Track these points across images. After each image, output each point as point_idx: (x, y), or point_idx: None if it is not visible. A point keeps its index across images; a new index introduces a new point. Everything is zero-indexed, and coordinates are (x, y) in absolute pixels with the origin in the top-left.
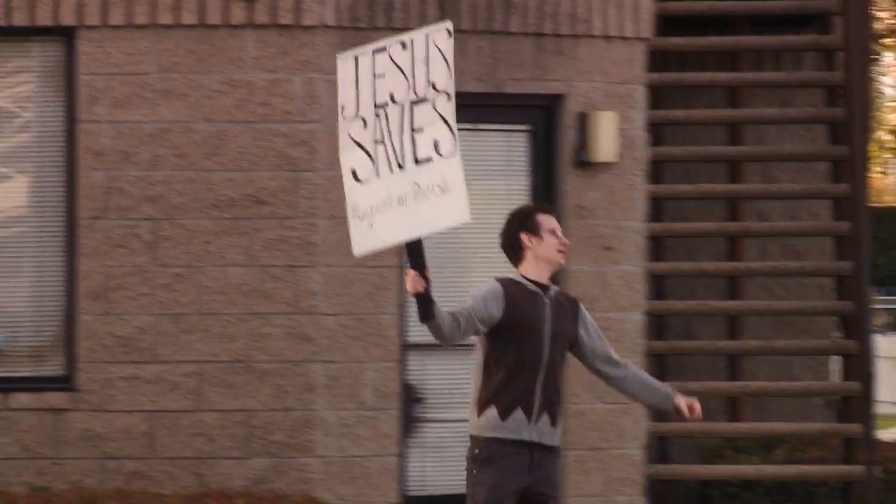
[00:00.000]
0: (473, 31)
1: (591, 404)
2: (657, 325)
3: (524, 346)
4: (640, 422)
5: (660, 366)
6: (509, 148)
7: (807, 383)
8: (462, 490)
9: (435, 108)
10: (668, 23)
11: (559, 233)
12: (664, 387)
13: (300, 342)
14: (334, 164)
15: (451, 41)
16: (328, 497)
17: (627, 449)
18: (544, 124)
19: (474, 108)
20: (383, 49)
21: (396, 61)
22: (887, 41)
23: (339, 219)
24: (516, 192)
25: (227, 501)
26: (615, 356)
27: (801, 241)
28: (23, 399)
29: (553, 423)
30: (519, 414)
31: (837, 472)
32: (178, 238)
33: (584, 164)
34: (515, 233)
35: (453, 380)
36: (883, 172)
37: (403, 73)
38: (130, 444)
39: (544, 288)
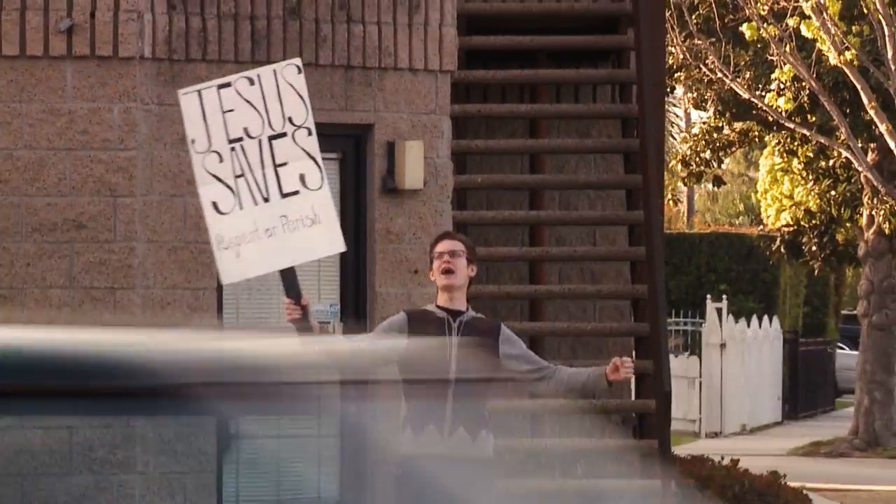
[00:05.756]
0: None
1: None
2: None
3: None
4: None
5: None
6: None
7: (605, 401)
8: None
9: (296, 143)
10: (471, 56)
11: (446, 255)
12: (590, 371)
13: None
14: (152, 189)
15: (302, 76)
16: None
17: None
18: (353, 153)
19: None
20: (228, 85)
21: (245, 97)
22: (678, 75)
23: (156, 242)
24: None
25: None
26: (540, 365)
27: (599, 265)
28: None
29: (473, 437)
30: (432, 430)
31: (635, 485)
32: (1, 260)
33: (392, 190)
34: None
35: None
36: (674, 200)
37: (255, 109)
38: None
39: (455, 313)
